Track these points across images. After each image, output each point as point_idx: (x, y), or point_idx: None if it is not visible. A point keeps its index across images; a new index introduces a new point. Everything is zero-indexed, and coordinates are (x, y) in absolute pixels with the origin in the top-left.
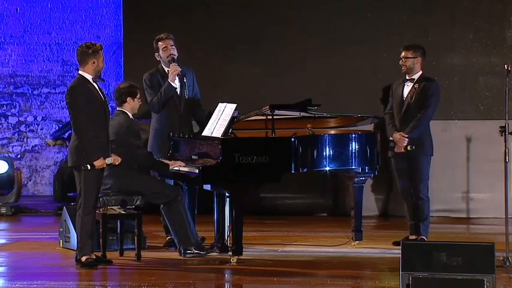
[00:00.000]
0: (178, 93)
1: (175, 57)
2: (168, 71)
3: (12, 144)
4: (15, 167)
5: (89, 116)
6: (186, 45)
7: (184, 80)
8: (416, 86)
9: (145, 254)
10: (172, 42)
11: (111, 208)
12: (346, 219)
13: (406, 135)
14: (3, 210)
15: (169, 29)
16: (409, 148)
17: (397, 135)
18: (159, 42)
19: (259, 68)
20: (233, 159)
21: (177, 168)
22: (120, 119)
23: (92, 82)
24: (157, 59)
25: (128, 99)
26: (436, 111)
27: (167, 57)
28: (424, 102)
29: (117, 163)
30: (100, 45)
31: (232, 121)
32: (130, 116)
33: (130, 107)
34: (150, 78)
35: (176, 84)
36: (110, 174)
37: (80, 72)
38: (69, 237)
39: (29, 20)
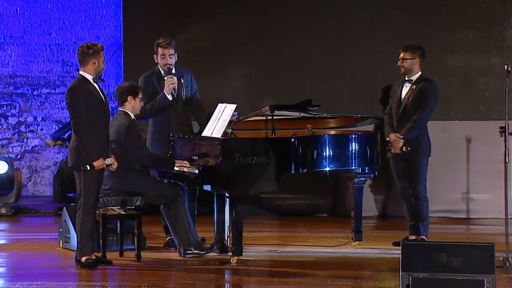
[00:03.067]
0: (176, 95)
1: (172, 66)
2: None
3: (12, 145)
4: (15, 167)
5: (89, 116)
6: (186, 45)
7: (182, 81)
8: (414, 87)
9: (145, 255)
10: (171, 51)
11: (111, 209)
12: (346, 219)
13: (402, 137)
14: (3, 210)
15: (169, 29)
16: (404, 149)
17: (392, 136)
18: (159, 48)
19: (259, 68)
20: (233, 160)
21: (177, 169)
22: (121, 119)
23: (92, 82)
24: (156, 61)
25: (129, 98)
26: (436, 112)
27: (164, 65)
28: (421, 103)
29: (114, 167)
30: (101, 45)
31: (232, 122)
32: (132, 117)
33: (131, 106)
34: (145, 82)
35: (170, 97)
36: (110, 174)
37: (81, 72)
38: (69, 237)
39: (29, 21)
